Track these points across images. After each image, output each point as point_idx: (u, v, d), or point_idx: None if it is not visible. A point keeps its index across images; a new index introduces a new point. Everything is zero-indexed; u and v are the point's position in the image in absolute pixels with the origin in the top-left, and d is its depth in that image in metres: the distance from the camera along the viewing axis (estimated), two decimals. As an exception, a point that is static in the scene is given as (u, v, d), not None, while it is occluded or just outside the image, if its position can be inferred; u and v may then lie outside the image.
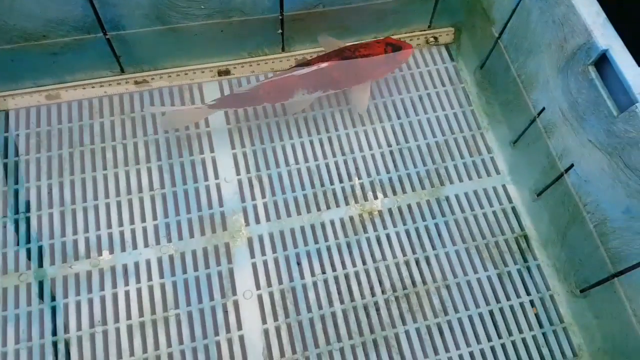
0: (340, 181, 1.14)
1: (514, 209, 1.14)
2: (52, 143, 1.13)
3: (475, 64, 1.23)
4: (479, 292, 1.06)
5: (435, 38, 1.28)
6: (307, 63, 1.10)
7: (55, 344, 0.97)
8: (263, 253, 1.07)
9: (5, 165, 1.10)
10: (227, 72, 1.20)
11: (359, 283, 1.05)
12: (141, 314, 1.01)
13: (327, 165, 1.15)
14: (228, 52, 1.18)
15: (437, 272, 1.07)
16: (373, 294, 1.04)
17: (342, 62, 1.09)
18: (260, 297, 1.03)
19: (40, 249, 1.04)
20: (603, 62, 0.87)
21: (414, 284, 1.06)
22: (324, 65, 1.08)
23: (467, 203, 1.14)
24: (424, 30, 1.27)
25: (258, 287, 1.04)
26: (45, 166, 1.11)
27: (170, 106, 1.16)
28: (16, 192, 1.08)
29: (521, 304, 1.05)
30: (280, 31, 1.15)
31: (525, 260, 1.09)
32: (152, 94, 1.19)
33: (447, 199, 1.14)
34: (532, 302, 1.05)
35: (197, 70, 1.18)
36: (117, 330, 0.99)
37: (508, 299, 1.05)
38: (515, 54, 1.08)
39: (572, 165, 0.97)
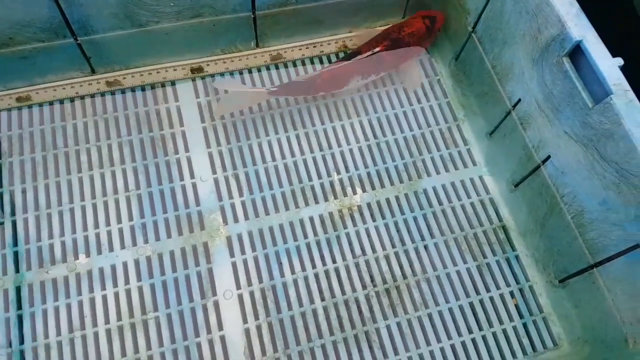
0: (319, 177, 1.13)
1: (491, 200, 1.14)
2: (25, 146, 1.11)
3: (450, 55, 1.22)
4: (459, 284, 1.06)
5: (410, 31, 1.26)
6: (358, 51, 1.14)
7: (35, 350, 0.96)
8: (242, 252, 1.06)
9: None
10: (200, 70, 1.18)
11: (340, 279, 1.05)
12: (119, 318, 1.00)
13: (304, 162, 1.15)
14: (201, 50, 1.16)
15: (417, 265, 1.07)
16: (354, 290, 1.04)
17: (392, 45, 1.14)
18: (240, 297, 1.03)
19: (16, 254, 1.02)
20: (577, 53, 0.87)
21: (394, 278, 1.06)
22: (377, 50, 1.13)
23: (445, 195, 1.14)
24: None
25: (238, 286, 1.04)
26: (18, 170, 1.09)
27: (234, 85, 1.17)
28: (-12, 198, 1.07)
29: (501, 295, 1.06)
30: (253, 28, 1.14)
31: (504, 252, 1.09)
32: (124, 93, 1.17)
33: (425, 191, 1.14)
34: (511, 293, 1.06)
35: (170, 68, 1.16)
36: (96, 335, 0.98)
37: (488, 290, 1.06)
38: (489, 45, 1.08)
39: (548, 157, 0.97)
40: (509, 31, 1.01)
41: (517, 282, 1.07)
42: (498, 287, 1.06)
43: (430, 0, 1.21)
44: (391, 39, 1.15)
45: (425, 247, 1.09)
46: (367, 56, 1.13)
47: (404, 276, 1.06)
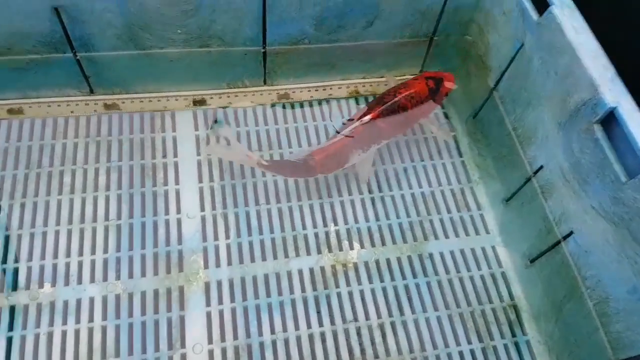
0: (314, 226, 1.04)
1: (503, 274, 1.02)
2: (8, 161, 1.05)
3: (468, 112, 1.15)
4: (460, 367, 0.93)
5: (427, 83, 1.20)
6: (350, 120, 1.02)
7: (-23, 389, 0.86)
8: (220, 301, 0.96)
9: (-47, 182, 1.02)
10: (202, 102, 1.12)
11: (325, 347, 0.93)
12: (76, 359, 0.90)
13: (300, 208, 1.06)
14: (205, 81, 1.11)
15: (414, 340, 0.95)
16: (339, 360, 0.93)
17: (387, 110, 1.01)
18: (211, 353, 0.92)
19: (-24, 275, 0.95)
20: (610, 120, 0.78)
21: (387, 352, 0.94)
22: (367, 118, 1.00)
23: (453, 263, 1.03)
24: (415, 74, 1.19)
25: (210, 340, 0.93)
26: (-5, 186, 1.03)
27: (234, 139, 1.08)
28: (-41, 211, 1.00)
29: (506, 385, 0.93)
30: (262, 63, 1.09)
31: (514, 335, 0.97)
32: (121, 118, 1.12)
33: (431, 256, 1.03)
34: (518, 384, 0.93)
35: (171, 98, 1.11)
36: (47, 376, 0.88)
37: (492, 378, 0.93)
38: (511, 106, 1.00)
39: (571, 233, 0.87)
40: (534, 92, 0.93)
41: (527, 373, 0.94)
42: (504, 376, 0.93)
43: (453, 53, 1.15)
44: (385, 103, 1.02)
45: (427, 319, 0.97)
46: (355, 127, 0.99)
47: (399, 351, 0.94)
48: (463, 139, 1.16)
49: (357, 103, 1.19)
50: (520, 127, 0.98)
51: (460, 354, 0.94)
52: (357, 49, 1.09)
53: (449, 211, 1.08)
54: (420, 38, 1.11)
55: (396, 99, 1.02)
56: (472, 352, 0.95)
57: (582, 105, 0.81)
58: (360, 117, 1.00)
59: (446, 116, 1.19)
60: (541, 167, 0.93)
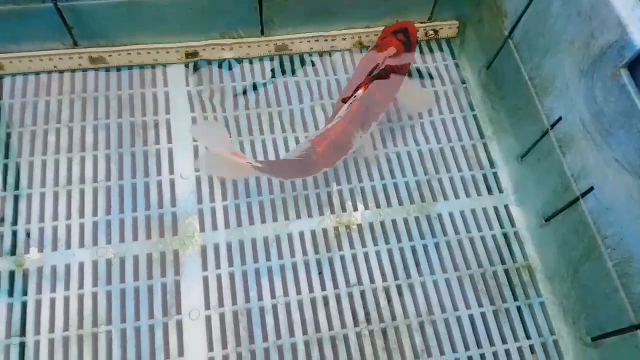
0: (315, 186, 0.98)
1: (516, 234, 0.97)
2: (-13, 120, 0.99)
3: (481, 63, 1.07)
4: (470, 331, 0.89)
5: (436, 31, 1.12)
6: (342, 101, 0.93)
7: (-39, 356, 0.82)
8: (217, 266, 0.91)
9: None
10: (195, 54, 1.05)
11: (328, 310, 0.89)
12: (66, 328, 0.85)
13: (301, 168, 1.00)
14: (197, 32, 1.03)
15: (421, 303, 0.90)
16: (343, 325, 0.88)
17: (377, 79, 0.93)
18: (208, 319, 0.87)
19: (-43, 240, 0.90)
20: (639, 63, 0.71)
21: (393, 316, 0.89)
22: (360, 92, 0.91)
23: (463, 223, 0.97)
24: (424, 22, 1.12)
25: (207, 306, 0.88)
26: (-24, 146, 0.96)
27: (213, 140, 0.90)
28: (-63, 173, 0.94)
29: (519, 349, 0.89)
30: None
31: (527, 297, 0.92)
32: (108, 71, 1.05)
33: (439, 216, 0.97)
34: (532, 347, 0.89)
35: (162, 50, 1.03)
36: (37, 344, 0.84)
37: (504, 341, 0.89)
38: (528, 53, 0.92)
39: (591, 189, 0.81)
40: (553, 37, 0.86)
41: (540, 335, 0.90)
42: (517, 339, 0.89)
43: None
44: (371, 72, 0.94)
45: (435, 282, 0.92)
46: (352, 104, 0.90)
47: (406, 315, 0.89)
48: (475, 91, 1.08)
49: (361, 53, 1.11)
50: (537, 77, 0.91)
51: (471, 317, 0.90)
52: (360, -6, 1.01)
53: (459, 169, 1.01)
54: (429, -18, 1.03)
55: (382, 63, 0.95)
56: (482, 315, 0.90)
57: (608, 48, 0.74)
58: (351, 95, 0.92)
59: (457, 67, 1.11)
60: (559, 118, 0.86)
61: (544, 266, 0.94)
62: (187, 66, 1.07)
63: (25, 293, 0.87)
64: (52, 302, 0.87)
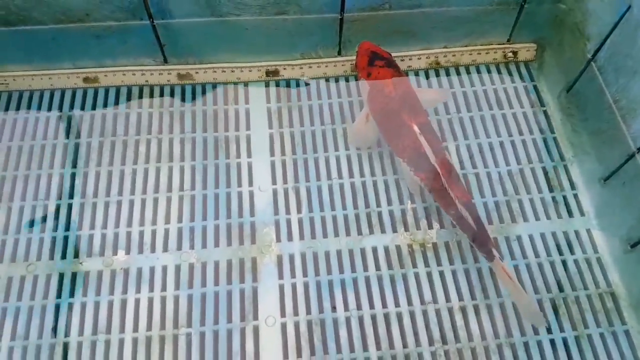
0: (389, 204, 0.99)
1: (599, 259, 0.94)
2: (83, 129, 1.05)
3: (561, 86, 1.06)
4: (551, 356, 0.86)
5: (515, 53, 1.12)
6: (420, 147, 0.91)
7: (52, 347, 0.87)
8: (292, 275, 0.93)
9: (32, 148, 1.03)
10: (276, 73, 1.09)
11: (402, 327, 0.88)
12: (149, 328, 0.89)
13: (374, 184, 1.01)
14: (279, 51, 1.08)
15: (500, 325, 0.88)
16: (418, 344, 0.87)
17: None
18: (284, 326, 0.89)
19: (53, 240, 0.95)
20: None
21: (470, 337, 0.88)
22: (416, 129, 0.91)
23: (543, 246, 0.95)
24: (502, 44, 1.12)
25: (283, 313, 0.90)
26: (72, 153, 1.03)
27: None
28: (38, 177, 1.01)
29: (602, 379, 0.85)
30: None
31: (611, 324, 0.89)
32: (194, 89, 1.10)
33: (519, 238, 0.96)
34: (615, 378, 0.85)
35: (245, 69, 1.08)
36: (121, 342, 0.87)
37: (586, 370, 0.85)
38: (613, 76, 0.91)
39: (682, 214, 0.78)
40: (642, 59, 0.85)
41: (624, 365, 0.86)
42: (599, 367, 0.86)
43: (545, 21, 1.06)
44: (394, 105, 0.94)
45: (514, 304, 0.90)
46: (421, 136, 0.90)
47: (483, 337, 0.88)
48: (555, 114, 1.07)
49: (437, 75, 1.13)
50: (623, 99, 0.89)
51: (552, 342, 0.87)
52: (440, 15, 1.02)
53: (539, 191, 1.00)
54: (509, 5, 1.03)
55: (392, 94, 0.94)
56: (564, 340, 0.87)
57: None
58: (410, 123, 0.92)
59: (536, 89, 1.11)
60: (648, 142, 0.85)
61: (628, 293, 0.90)
62: (267, 84, 1.11)
63: (111, 293, 0.91)
64: (137, 302, 0.90)
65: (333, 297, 0.91)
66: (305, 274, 0.93)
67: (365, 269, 0.93)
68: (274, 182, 1.01)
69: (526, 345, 0.87)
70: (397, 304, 0.90)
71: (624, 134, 0.89)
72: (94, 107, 1.08)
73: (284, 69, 1.09)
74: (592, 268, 0.93)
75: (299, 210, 0.99)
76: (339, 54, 1.10)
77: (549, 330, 0.88)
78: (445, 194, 0.89)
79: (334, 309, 0.90)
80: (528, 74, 1.13)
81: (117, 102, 1.08)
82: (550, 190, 1.00)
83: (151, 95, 1.09)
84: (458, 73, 1.12)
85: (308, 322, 0.89)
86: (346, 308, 0.90)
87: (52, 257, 0.94)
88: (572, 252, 0.94)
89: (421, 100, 0.97)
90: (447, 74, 1.12)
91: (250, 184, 1.01)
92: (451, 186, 0.89)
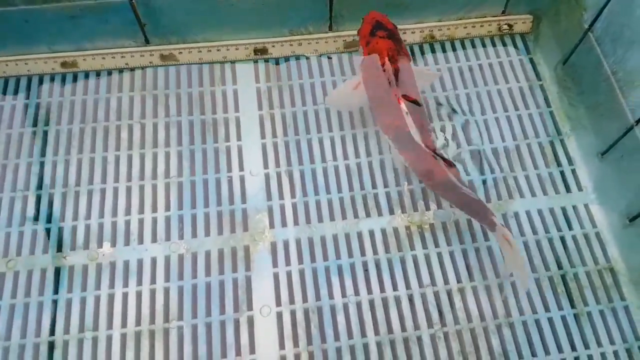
0: (385, 185, 0.96)
1: (598, 235, 0.93)
2: (63, 116, 1.00)
3: (557, 58, 1.03)
4: (551, 335, 0.85)
5: (510, 26, 1.09)
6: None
7: (37, 347, 0.83)
8: (287, 262, 0.90)
9: (9, 137, 0.98)
10: (264, 51, 1.05)
11: (400, 311, 0.87)
12: (138, 323, 0.86)
13: (370, 165, 0.98)
14: (267, 28, 1.03)
15: (498, 305, 0.87)
16: (416, 327, 0.86)
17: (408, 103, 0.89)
18: (279, 316, 0.86)
19: (34, 233, 0.91)
20: None
21: (469, 318, 0.86)
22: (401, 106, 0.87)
23: (541, 223, 0.94)
24: (497, 16, 1.09)
25: (278, 302, 0.87)
26: (52, 141, 0.98)
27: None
28: (16, 167, 0.96)
29: (602, 355, 0.85)
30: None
31: (610, 300, 0.88)
32: (178, 70, 1.05)
33: (516, 215, 0.94)
34: (615, 354, 0.85)
35: (231, 47, 1.04)
36: (109, 338, 0.84)
37: (587, 346, 0.85)
38: (611, 47, 0.89)
39: (683, 186, 0.77)
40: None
41: (624, 341, 0.85)
42: (600, 344, 0.85)
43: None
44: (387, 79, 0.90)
45: (512, 284, 0.88)
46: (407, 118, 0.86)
47: (482, 317, 0.86)
48: (551, 87, 1.05)
49: (433, 51, 1.09)
50: (621, 70, 0.87)
51: (550, 320, 0.86)
52: (433, -13, 0.99)
53: (536, 167, 0.98)
54: (504, -25, 1.00)
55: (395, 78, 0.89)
56: (563, 318, 0.86)
57: None
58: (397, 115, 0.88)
59: (532, 62, 1.08)
60: (647, 114, 0.83)
61: (628, 269, 0.90)
62: (255, 62, 1.07)
63: (98, 287, 0.88)
64: (125, 296, 0.87)
65: (330, 284, 0.88)
66: (300, 261, 0.90)
67: (363, 253, 0.91)
68: (266, 165, 0.98)
69: (525, 324, 0.86)
70: (395, 288, 0.88)
71: (622, 107, 0.87)
72: (73, 93, 1.03)
73: (273, 46, 1.05)
74: (591, 244, 0.92)
75: (292, 195, 0.95)
76: (330, 29, 1.05)
77: (547, 309, 0.87)
78: (438, 174, 0.85)
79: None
80: (524, 47, 1.10)
81: (97, 87, 1.03)
82: (547, 165, 0.98)
83: (132, 79, 1.04)
84: (454, 48, 1.10)
85: (305, 310, 0.87)
86: (343, 294, 0.88)
87: (33, 252, 0.90)
88: (570, 227, 0.93)
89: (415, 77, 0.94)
90: (443, 50, 1.09)
91: (241, 168, 0.97)
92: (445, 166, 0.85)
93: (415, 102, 0.88)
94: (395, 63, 0.89)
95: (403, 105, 0.87)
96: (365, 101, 0.94)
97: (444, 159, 0.84)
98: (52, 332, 0.84)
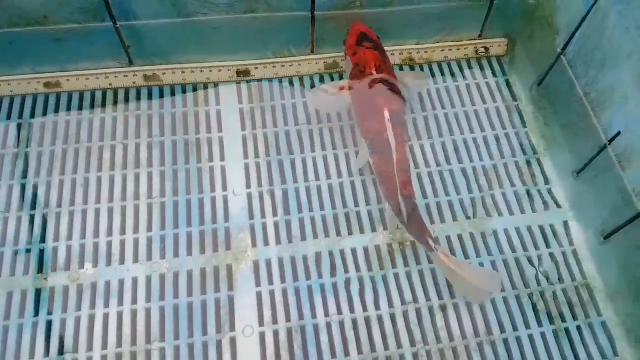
0: (367, 203, 0.97)
1: (575, 252, 0.94)
2: (45, 136, 1.00)
3: (532, 79, 1.06)
4: (530, 352, 0.86)
5: (486, 49, 1.12)
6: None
7: (16, 372, 0.82)
8: (270, 282, 0.90)
9: (-10, 158, 0.98)
10: (247, 73, 1.06)
11: (383, 330, 0.87)
12: (119, 344, 0.85)
13: (352, 184, 0.99)
14: (250, 50, 1.05)
15: (480, 323, 0.88)
16: (399, 345, 0.86)
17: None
18: (262, 336, 0.86)
19: (14, 254, 0.90)
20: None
21: (451, 337, 0.87)
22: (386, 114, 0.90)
23: (519, 241, 0.95)
24: (474, 40, 1.12)
25: (261, 323, 0.87)
26: (34, 162, 0.98)
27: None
28: (-4, 189, 0.96)
29: (582, 371, 0.85)
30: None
31: (587, 316, 0.89)
32: (162, 90, 1.06)
33: (495, 233, 0.96)
34: (594, 370, 0.85)
35: (214, 68, 1.05)
36: (90, 360, 0.83)
37: (566, 363, 0.86)
38: (583, 69, 0.92)
39: (654, 204, 0.79)
40: (610, 51, 0.86)
41: (603, 356, 0.86)
42: (578, 360, 0.86)
43: (515, 16, 1.06)
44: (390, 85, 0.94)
45: (493, 301, 0.90)
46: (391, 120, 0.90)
47: (463, 336, 0.87)
48: (527, 108, 1.07)
49: (412, 69, 1.12)
50: (593, 92, 0.90)
51: (530, 337, 0.87)
52: (411, 13, 1.02)
53: (513, 185, 1.00)
54: (479, 1, 1.03)
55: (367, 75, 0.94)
56: (542, 334, 0.87)
57: (671, 61, 0.74)
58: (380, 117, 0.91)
59: (508, 84, 1.11)
60: (618, 133, 0.85)
61: (604, 285, 0.91)
62: (238, 84, 1.08)
63: (78, 309, 0.87)
64: (106, 317, 0.86)
65: (313, 303, 0.89)
66: (283, 280, 0.91)
67: (346, 270, 0.92)
68: (249, 185, 0.98)
69: (506, 342, 0.87)
70: (377, 307, 0.89)
71: (595, 126, 0.90)
72: (56, 114, 1.03)
73: (256, 68, 1.06)
74: (568, 261, 0.93)
75: (274, 214, 0.96)
76: (312, 52, 1.08)
77: (527, 326, 0.88)
78: (390, 183, 0.88)
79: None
80: (500, 69, 1.13)
81: (80, 107, 1.03)
82: (524, 184, 1.00)
83: (115, 99, 1.05)
84: (431, 70, 1.12)
85: (288, 330, 0.87)
86: (326, 313, 0.88)
87: (13, 273, 0.89)
88: (547, 245, 0.95)
89: (404, 83, 0.99)
90: (422, 71, 1.12)
91: (224, 188, 0.98)
92: (401, 178, 0.88)
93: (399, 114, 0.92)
94: (381, 72, 0.93)
95: (386, 113, 0.90)
96: (345, 107, 0.98)
97: (404, 178, 0.88)
98: (32, 354, 0.83)
